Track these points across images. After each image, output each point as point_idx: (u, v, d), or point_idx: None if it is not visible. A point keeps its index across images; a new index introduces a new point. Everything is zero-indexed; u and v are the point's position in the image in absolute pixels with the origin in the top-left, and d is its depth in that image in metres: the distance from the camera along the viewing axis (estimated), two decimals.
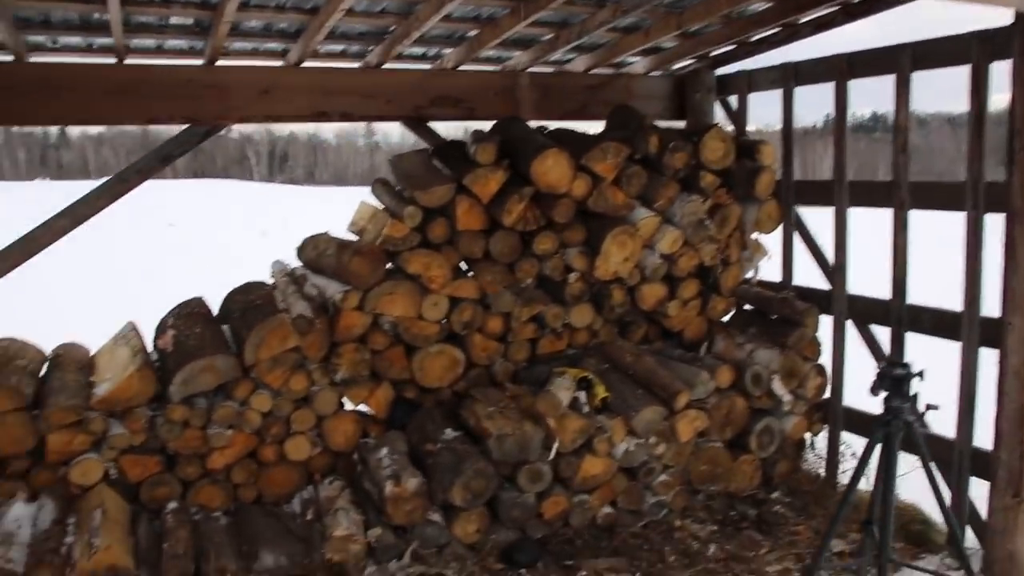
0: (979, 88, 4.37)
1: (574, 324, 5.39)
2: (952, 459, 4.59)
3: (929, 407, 3.32)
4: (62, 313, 10.92)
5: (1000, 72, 4.26)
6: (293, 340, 4.67)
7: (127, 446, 4.52)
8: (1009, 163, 4.13)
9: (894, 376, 3.20)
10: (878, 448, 3.35)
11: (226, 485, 4.78)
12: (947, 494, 4.59)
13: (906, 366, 3.25)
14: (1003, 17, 4.11)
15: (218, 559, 4.19)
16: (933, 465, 3.61)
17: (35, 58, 4.82)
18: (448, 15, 4.56)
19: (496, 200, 5.01)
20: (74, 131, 77.20)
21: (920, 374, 3.25)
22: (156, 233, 24.31)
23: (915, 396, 3.25)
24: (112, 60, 4.94)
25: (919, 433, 3.29)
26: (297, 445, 4.86)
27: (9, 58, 4.68)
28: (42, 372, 4.81)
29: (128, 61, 4.96)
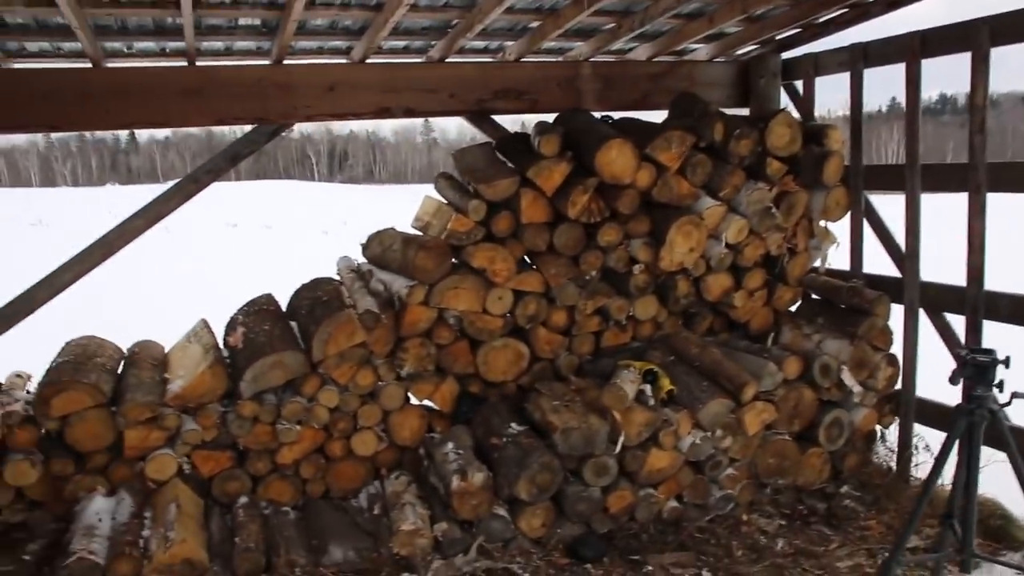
0: None
1: (639, 316, 5.36)
2: None
3: (1015, 395, 3.19)
4: (135, 311, 11.22)
5: None
6: (360, 335, 4.72)
7: (199, 442, 4.62)
8: None
9: (977, 363, 3.08)
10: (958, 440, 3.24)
11: (295, 480, 4.85)
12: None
13: (990, 352, 3.13)
14: None
15: (288, 553, 4.27)
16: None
17: (110, 63, 4.96)
18: (511, 7, 4.58)
19: (560, 192, 4.99)
20: (143, 136, 79.67)
21: (1006, 361, 3.12)
22: (220, 234, 24.86)
23: (1000, 384, 3.13)
24: (183, 63, 5.05)
25: (1005, 423, 3.17)
26: (364, 440, 4.91)
27: (87, 65, 4.82)
28: (119, 369, 4.94)
29: (198, 63, 5.07)
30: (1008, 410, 4.02)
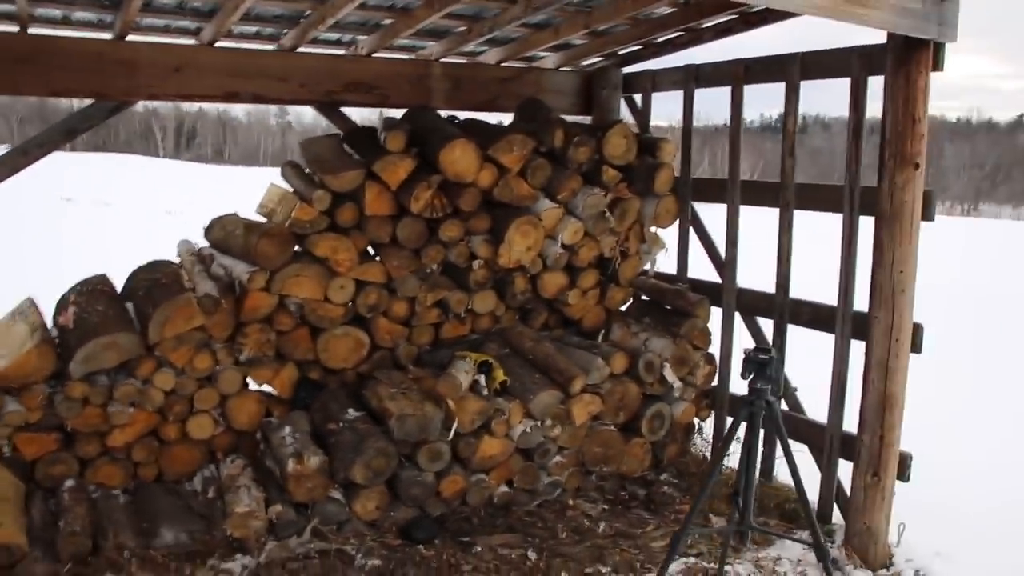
0: (858, 101, 4.70)
1: (477, 310, 5.56)
2: (824, 443, 4.94)
3: (790, 389, 3.64)
4: None
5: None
6: (198, 319, 4.70)
7: (22, 423, 4.47)
8: (880, 171, 4.46)
9: (758, 360, 3.49)
10: (742, 427, 3.63)
11: (126, 463, 4.77)
12: (817, 474, 4.96)
13: (768, 351, 3.54)
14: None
15: (117, 536, 4.22)
16: (803, 445, 3.87)
17: None
18: (363, 3, 4.63)
19: (404, 187, 5.11)
20: None
21: (780, 359, 3.50)
22: (53, 208, 23.40)
23: (776, 378, 3.54)
24: (14, 28, 4.82)
25: (778, 413, 3.58)
26: (200, 424, 4.89)
27: None
28: None
29: (32, 31, 4.86)
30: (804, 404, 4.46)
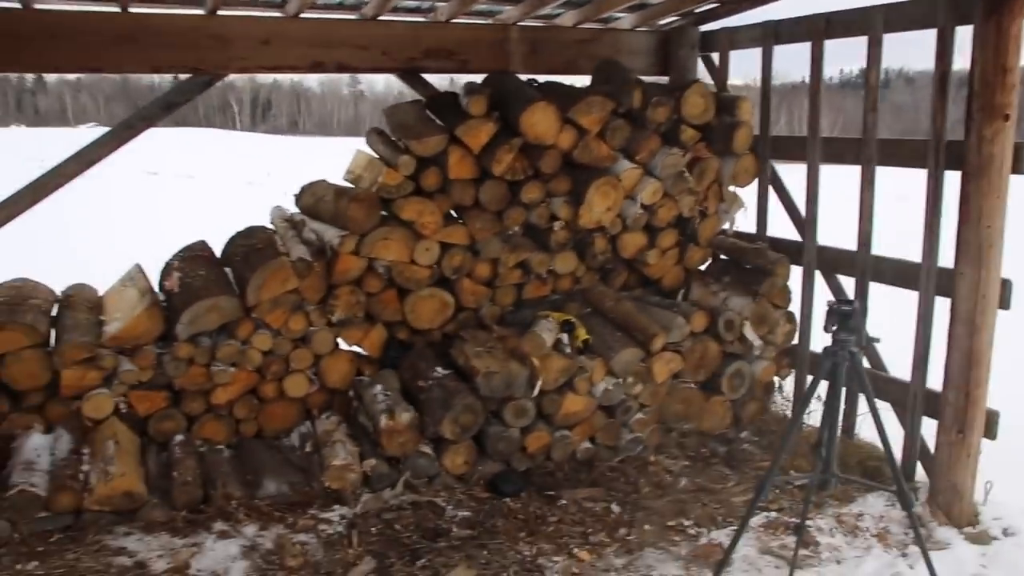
0: (944, 51, 4.60)
1: (558, 270, 5.64)
2: (907, 400, 4.92)
3: (872, 340, 3.66)
4: (60, 256, 11.05)
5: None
6: (293, 282, 4.91)
7: (136, 382, 4.77)
8: (967, 123, 4.38)
9: (841, 312, 3.52)
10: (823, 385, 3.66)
11: (229, 420, 5.05)
12: (900, 432, 4.95)
13: (851, 303, 3.57)
14: None
15: (224, 487, 4.49)
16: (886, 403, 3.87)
17: (40, 5, 4.94)
18: None
19: (486, 150, 5.21)
20: (51, 76, 75.72)
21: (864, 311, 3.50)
22: (141, 182, 24.26)
23: (859, 329, 3.57)
24: (116, 8, 5.06)
25: (860, 363, 3.61)
26: (296, 382, 5.12)
27: (16, 5, 4.81)
28: (54, 312, 5.03)
29: (131, 10, 5.08)
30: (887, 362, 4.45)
